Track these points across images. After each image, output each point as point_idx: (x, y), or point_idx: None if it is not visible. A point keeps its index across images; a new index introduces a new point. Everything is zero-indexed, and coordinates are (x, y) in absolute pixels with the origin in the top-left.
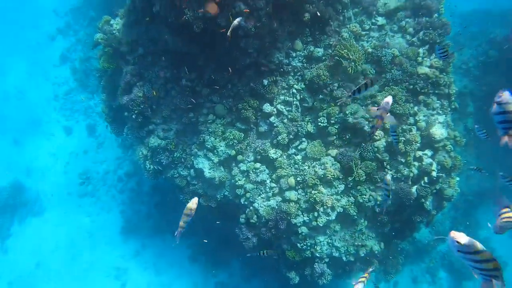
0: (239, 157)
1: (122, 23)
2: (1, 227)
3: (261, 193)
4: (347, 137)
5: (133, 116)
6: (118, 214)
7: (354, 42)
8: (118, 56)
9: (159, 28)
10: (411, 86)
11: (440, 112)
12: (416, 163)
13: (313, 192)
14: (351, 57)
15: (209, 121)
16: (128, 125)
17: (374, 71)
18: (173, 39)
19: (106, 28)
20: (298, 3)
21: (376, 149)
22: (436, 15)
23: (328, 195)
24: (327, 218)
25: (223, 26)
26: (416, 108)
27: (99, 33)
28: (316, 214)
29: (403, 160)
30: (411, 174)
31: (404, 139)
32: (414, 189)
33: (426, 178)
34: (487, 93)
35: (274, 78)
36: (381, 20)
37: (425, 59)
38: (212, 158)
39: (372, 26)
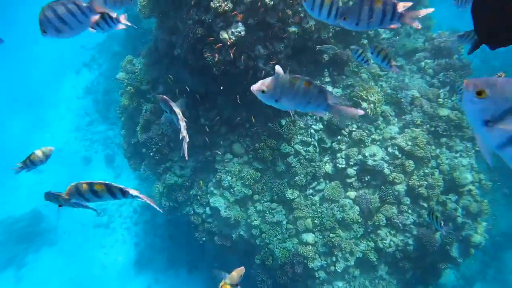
0: (256, 197)
1: (144, 62)
2: (16, 255)
3: (277, 234)
4: (366, 179)
5: (151, 154)
6: (132, 246)
7: (373, 83)
8: (139, 94)
9: (179, 68)
10: (433, 128)
11: (464, 154)
12: (439, 208)
13: (331, 235)
14: (370, 98)
15: (226, 160)
16: (145, 162)
17: (394, 112)
18: (192, 79)
19: (129, 68)
20: (316, 45)
21: (396, 192)
22: (456, 56)
23: (347, 239)
24: (346, 263)
25: (242, 69)
26: (438, 151)
27: (122, 72)
28: (334, 258)
29: (425, 205)
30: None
31: (426, 183)
32: (438, 235)
33: (451, 224)
34: None
35: (292, 118)
36: (400, 61)
37: (446, 100)
38: (228, 197)
39: None
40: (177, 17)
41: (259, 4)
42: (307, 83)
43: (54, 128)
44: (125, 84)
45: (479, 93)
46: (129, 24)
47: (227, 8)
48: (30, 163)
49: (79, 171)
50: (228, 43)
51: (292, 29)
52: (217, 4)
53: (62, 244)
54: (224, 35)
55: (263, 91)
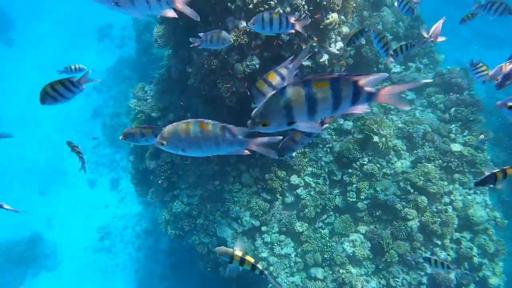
0: (264, 228)
1: (156, 89)
2: (14, 280)
3: (285, 267)
4: (378, 213)
5: (159, 181)
6: (132, 273)
7: (384, 117)
8: (149, 121)
9: (191, 97)
10: (445, 164)
11: (478, 191)
12: (453, 245)
13: (341, 271)
14: (381, 132)
15: (234, 190)
16: (152, 189)
17: (405, 146)
18: (204, 108)
19: (140, 95)
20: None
21: (409, 229)
22: (466, 92)
23: (357, 275)
24: None
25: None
26: (451, 187)
27: (134, 98)
28: None
29: (439, 242)
30: (449, 258)
31: (440, 220)
32: (453, 274)
33: (466, 264)
34: None
35: (303, 150)
36: (410, 95)
37: (457, 135)
38: (236, 228)
39: None
40: (192, 48)
41: (275, 39)
42: (203, 125)
43: (61, 149)
44: (136, 111)
45: None
46: (90, 82)
47: (243, 42)
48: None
49: (83, 193)
50: (241, 76)
51: (306, 63)
52: (234, 38)
53: (61, 269)
54: (239, 67)
55: (162, 144)
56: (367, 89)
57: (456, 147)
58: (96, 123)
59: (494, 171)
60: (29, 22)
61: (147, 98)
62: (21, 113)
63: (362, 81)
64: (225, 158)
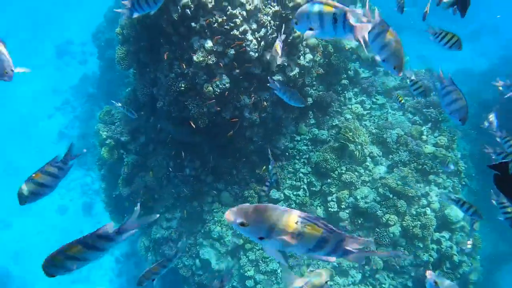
0: (247, 246)
1: (123, 112)
2: None
3: (272, 284)
4: (360, 221)
5: (135, 208)
6: None
7: (357, 123)
8: (119, 146)
9: (161, 119)
10: (420, 166)
11: (452, 190)
12: (434, 246)
13: (328, 283)
14: (357, 140)
15: (214, 210)
16: (128, 216)
17: (381, 152)
18: (176, 130)
19: (107, 119)
20: (301, 90)
21: (391, 234)
22: (433, 93)
23: (344, 286)
24: None
25: (228, 120)
26: (427, 188)
27: (100, 123)
28: None
29: (421, 245)
30: (431, 259)
31: (420, 223)
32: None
33: (447, 263)
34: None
35: (280, 163)
36: (381, 99)
37: (429, 136)
38: (219, 248)
39: (373, 105)
40: (157, 69)
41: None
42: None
43: (26, 175)
44: (104, 137)
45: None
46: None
47: (211, 62)
48: None
49: (54, 222)
50: (213, 96)
51: (277, 77)
52: (201, 58)
53: None
54: (208, 88)
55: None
56: (347, 247)
57: (428, 149)
58: (63, 145)
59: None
60: None
61: (115, 121)
62: None
63: (348, 241)
64: (200, 178)
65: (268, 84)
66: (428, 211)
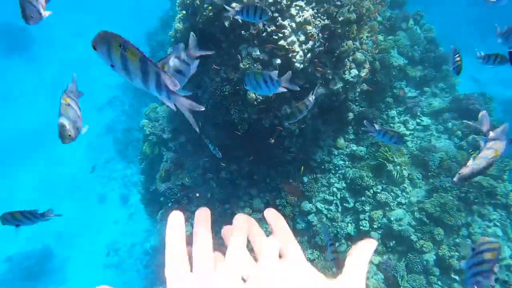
0: None
1: (167, 110)
2: None
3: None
4: (392, 244)
5: (169, 204)
6: None
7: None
8: (161, 142)
9: (202, 121)
10: (463, 195)
11: (498, 224)
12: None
13: None
14: (396, 160)
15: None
16: (162, 210)
17: (421, 175)
18: (216, 133)
19: (152, 115)
20: (343, 105)
21: (425, 262)
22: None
23: None
24: None
25: (268, 128)
26: (469, 219)
27: (145, 119)
28: None
29: (457, 278)
30: None
31: (458, 254)
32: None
33: None
34: None
35: (315, 176)
36: (426, 120)
37: None
38: None
39: (417, 126)
40: (203, 71)
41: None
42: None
43: (74, 165)
44: (147, 132)
45: None
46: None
47: (257, 70)
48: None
49: (93, 208)
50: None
51: (320, 90)
52: (247, 65)
53: (69, 285)
54: (251, 94)
55: (93, 48)
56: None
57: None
58: (109, 138)
59: None
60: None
61: (159, 119)
62: (38, 126)
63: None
64: (235, 182)
65: (362, 129)
66: (469, 242)
